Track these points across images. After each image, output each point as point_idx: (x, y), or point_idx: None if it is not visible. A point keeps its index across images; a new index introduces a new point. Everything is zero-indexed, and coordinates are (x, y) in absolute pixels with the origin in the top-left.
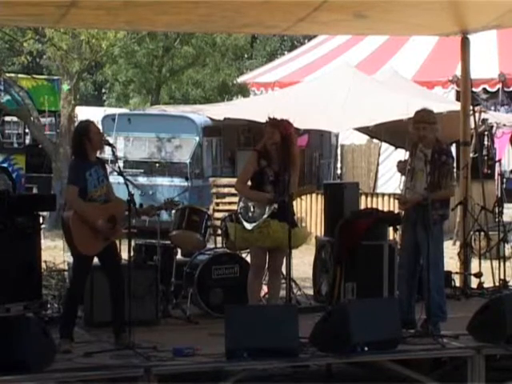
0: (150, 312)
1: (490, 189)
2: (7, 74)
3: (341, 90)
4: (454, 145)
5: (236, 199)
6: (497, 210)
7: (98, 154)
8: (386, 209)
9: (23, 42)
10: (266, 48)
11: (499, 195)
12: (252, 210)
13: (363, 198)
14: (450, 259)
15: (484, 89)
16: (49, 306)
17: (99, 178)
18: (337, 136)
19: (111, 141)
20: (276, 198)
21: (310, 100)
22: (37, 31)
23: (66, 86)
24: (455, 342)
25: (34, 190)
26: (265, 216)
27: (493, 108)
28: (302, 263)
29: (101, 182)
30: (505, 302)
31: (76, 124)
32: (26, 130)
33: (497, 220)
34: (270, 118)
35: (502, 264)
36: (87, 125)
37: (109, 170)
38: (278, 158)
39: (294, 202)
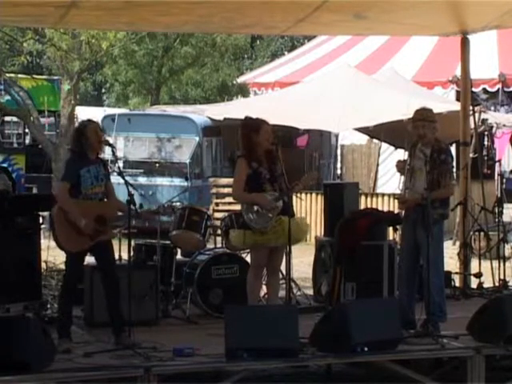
0: (150, 312)
1: (489, 189)
2: (7, 74)
3: (341, 90)
4: (453, 145)
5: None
6: (497, 210)
7: (98, 154)
8: (385, 209)
9: (23, 41)
10: (269, 48)
11: (499, 195)
12: (255, 216)
13: (363, 197)
14: (450, 259)
15: (484, 89)
16: (49, 306)
17: (98, 177)
18: (337, 136)
19: (111, 141)
20: (281, 194)
21: (310, 100)
22: (37, 31)
23: (66, 86)
24: (455, 342)
25: (34, 190)
26: (273, 216)
27: (493, 108)
28: (302, 263)
29: (100, 180)
30: (505, 302)
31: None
32: (26, 130)
33: (497, 220)
34: (248, 118)
35: (501, 264)
36: (86, 124)
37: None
38: (266, 157)
39: (294, 202)
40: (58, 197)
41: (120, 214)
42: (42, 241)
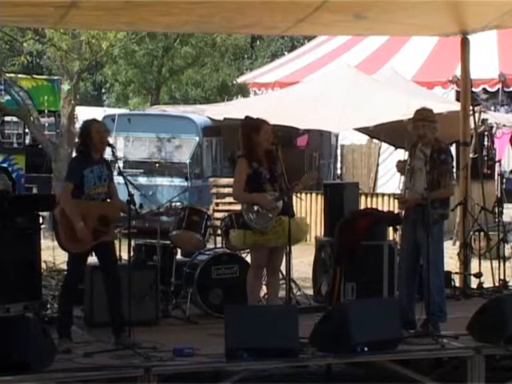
0: (150, 312)
1: (489, 189)
2: (7, 74)
3: (341, 90)
4: (453, 145)
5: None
6: (497, 210)
7: (102, 154)
8: (385, 209)
9: (23, 41)
10: (269, 48)
11: (499, 195)
12: (256, 216)
13: (363, 197)
14: (450, 259)
15: (484, 89)
16: (49, 306)
17: (101, 177)
18: (337, 136)
19: (111, 141)
20: (281, 194)
21: (310, 100)
22: (37, 31)
23: (66, 86)
24: (455, 342)
25: (34, 190)
26: (273, 216)
27: (493, 108)
28: (302, 263)
29: (103, 180)
30: (505, 302)
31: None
32: (26, 130)
33: (497, 220)
34: (248, 118)
35: (501, 264)
36: (90, 124)
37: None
38: (266, 157)
39: (294, 202)
40: (60, 197)
41: (122, 214)
42: (42, 241)
